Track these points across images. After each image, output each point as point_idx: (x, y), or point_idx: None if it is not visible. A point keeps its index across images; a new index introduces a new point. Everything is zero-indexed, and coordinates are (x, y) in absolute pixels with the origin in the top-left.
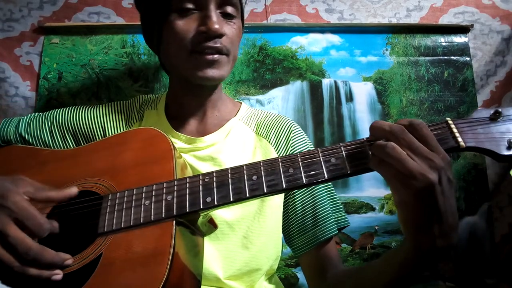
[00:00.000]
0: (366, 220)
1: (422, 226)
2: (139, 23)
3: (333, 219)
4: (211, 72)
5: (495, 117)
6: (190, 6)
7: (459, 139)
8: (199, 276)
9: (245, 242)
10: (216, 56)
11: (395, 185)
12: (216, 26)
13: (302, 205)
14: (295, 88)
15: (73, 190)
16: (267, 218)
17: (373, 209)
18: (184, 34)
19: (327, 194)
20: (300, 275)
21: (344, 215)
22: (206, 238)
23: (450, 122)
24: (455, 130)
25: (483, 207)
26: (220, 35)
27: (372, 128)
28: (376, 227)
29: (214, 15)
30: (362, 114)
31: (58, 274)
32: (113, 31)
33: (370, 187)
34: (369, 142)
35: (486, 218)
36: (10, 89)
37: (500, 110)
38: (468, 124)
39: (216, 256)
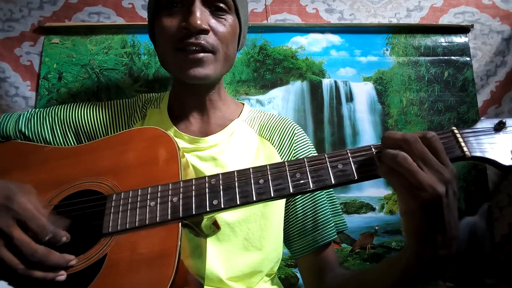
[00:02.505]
0: (366, 220)
1: (425, 235)
2: (139, 23)
3: (333, 223)
4: (195, 71)
5: (500, 128)
6: (176, 1)
7: (465, 148)
8: (202, 278)
9: (246, 244)
10: (200, 55)
11: (402, 194)
12: (198, 22)
13: (302, 208)
14: (295, 88)
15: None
16: (268, 221)
17: (373, 209)
18: (168, 30)
19: (327, 198)
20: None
21: (343, 219)
22: (207, 240)
23: (456, 131)
24: (460, 139)
25: (483, 207)
26: (203, 31)
27: (384, 138)
28: (376, 227)
29: (198, 10)
30: (362, 114)
31: (62, 275)
32: (113, 31)
33: (370, 187)
34: (376, 149)
35: (486, 218)
36: (10, 89)
37: (504, 120)
38: (473, 134)
39: (217, 257)
